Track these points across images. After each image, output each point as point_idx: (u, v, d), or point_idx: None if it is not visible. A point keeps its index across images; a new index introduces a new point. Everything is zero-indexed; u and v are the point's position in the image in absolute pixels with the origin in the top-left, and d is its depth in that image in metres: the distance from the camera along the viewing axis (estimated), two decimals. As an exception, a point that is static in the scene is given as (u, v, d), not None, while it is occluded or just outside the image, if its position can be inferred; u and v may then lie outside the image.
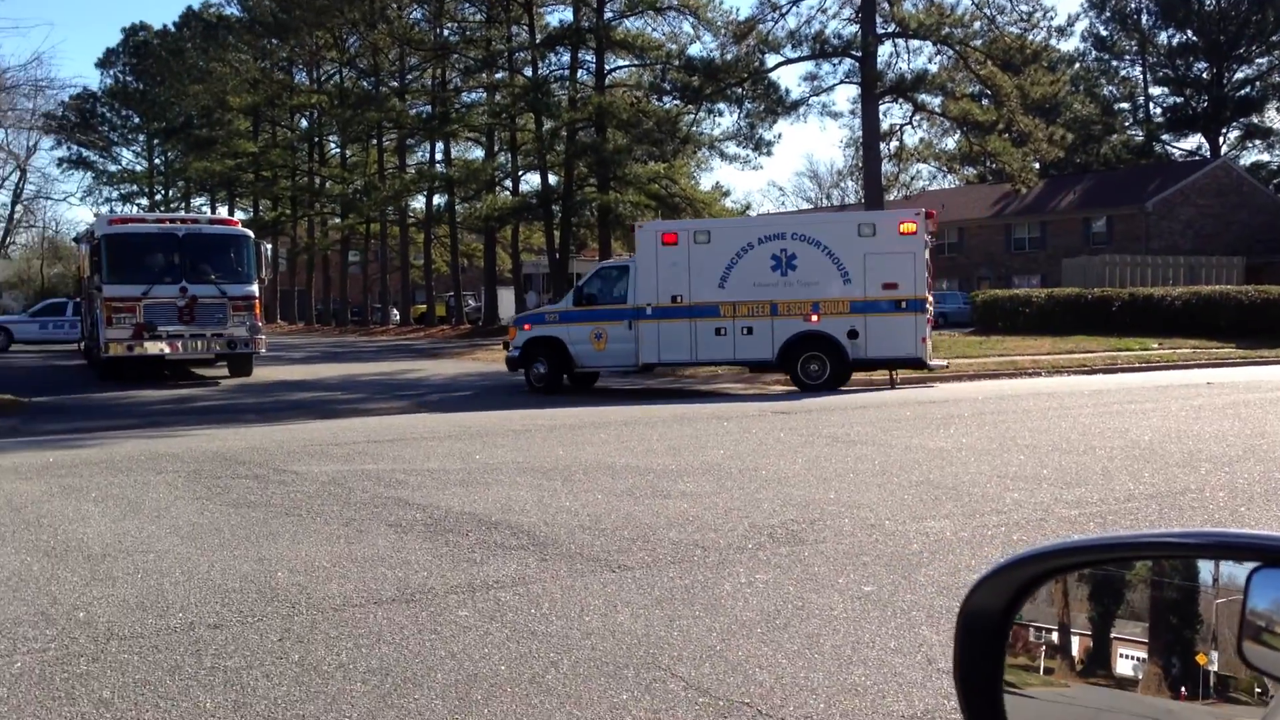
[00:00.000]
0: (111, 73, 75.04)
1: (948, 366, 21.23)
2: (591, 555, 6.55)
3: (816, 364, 19.24)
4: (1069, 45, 71.26)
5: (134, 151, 78.29)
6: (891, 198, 51.92)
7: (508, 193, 50.63)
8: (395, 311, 61.78)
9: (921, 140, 44.76)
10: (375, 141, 58.81)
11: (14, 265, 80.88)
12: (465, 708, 4.15)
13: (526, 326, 21.28)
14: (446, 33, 51.77)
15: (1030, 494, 8.28)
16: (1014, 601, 1.59)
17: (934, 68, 39.42)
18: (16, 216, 63.13)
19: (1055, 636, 1.64)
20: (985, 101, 41.18)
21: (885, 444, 11.36)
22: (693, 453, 10.99)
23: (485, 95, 51.43)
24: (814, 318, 19.16)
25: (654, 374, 21.50)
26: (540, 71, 45.49)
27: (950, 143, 47.17)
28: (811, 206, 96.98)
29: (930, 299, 19.62)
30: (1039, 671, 1.62)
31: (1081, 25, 68.41)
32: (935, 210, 22.08)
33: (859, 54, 37.26)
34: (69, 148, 69.91)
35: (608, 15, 42.75)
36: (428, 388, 21.76)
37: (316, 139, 67.24)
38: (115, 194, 76.33)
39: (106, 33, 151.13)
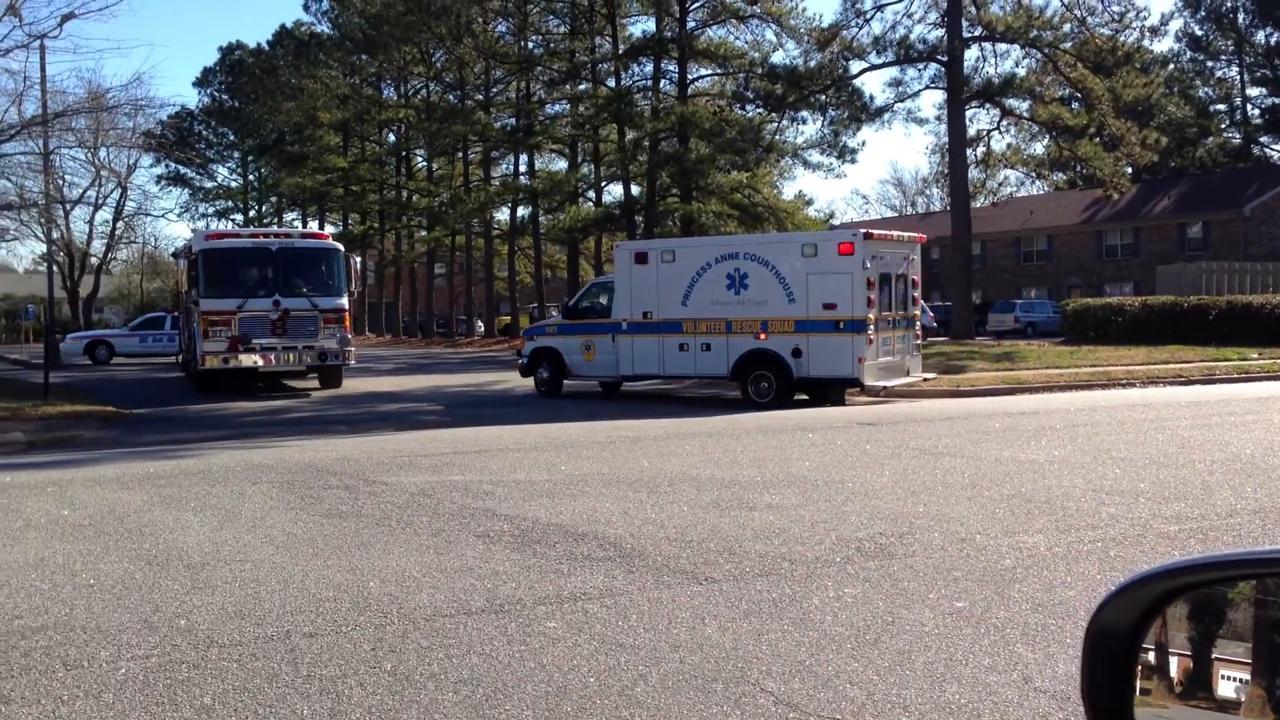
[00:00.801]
0: (208, 91, 77.16)
1: (925, 381, 21.05)
2: (678, 568, 6.54)
3: (765, 382, 19.50)
4: (1163, 46, 69.74)
5: (229, 168, 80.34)
6: (978, 204, 51.16)
7: (591, 204, 50.97)
8: (480, 323, 62.45)
9: (1009, 145, 44.05)
10: (461, 155, 59.60)
11: (115, 280, 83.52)
12: (556, 719, 4.17)
13: (533, 338, 23.09)
14: (531, 45, 52.31)
15: (1127, 509, 8.08)
16: (1144, 619, 1.55)
17: (1022, 71, 38.86)
18: (118, 233, 65.01)
19: (1152, 657, 1.60)
20: (1075, 105, 40.40)
21: (975, 456, 11.17)
22: (777, 465, 10.92)
23: (569, 107, 51.87)
24: (762, 336, 19.54)
25: (681, 382, 21.89)
26: (623, 82, 45.73)
27: (1039, 148, 46.35)
28: (895, 214, 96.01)
29: (919, 317, 20.58)
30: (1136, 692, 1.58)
31: (1176, 25, 66.70)
32: (924, 236, 22.59)
33: (945, 59, 36.82)
34: (167, 165, 71.93)
35: (690, 25, 42.80)
36: (514, 399, 21.95)
37: (404, 153, 68.38)
38: (211, 210, 78.36)
39: (204, 52, 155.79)
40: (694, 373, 20.89)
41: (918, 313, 20.74)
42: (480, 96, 56.34)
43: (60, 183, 24.26)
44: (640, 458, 11.68)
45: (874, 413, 17.04)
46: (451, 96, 58.91)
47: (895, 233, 22.56)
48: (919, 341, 20.83)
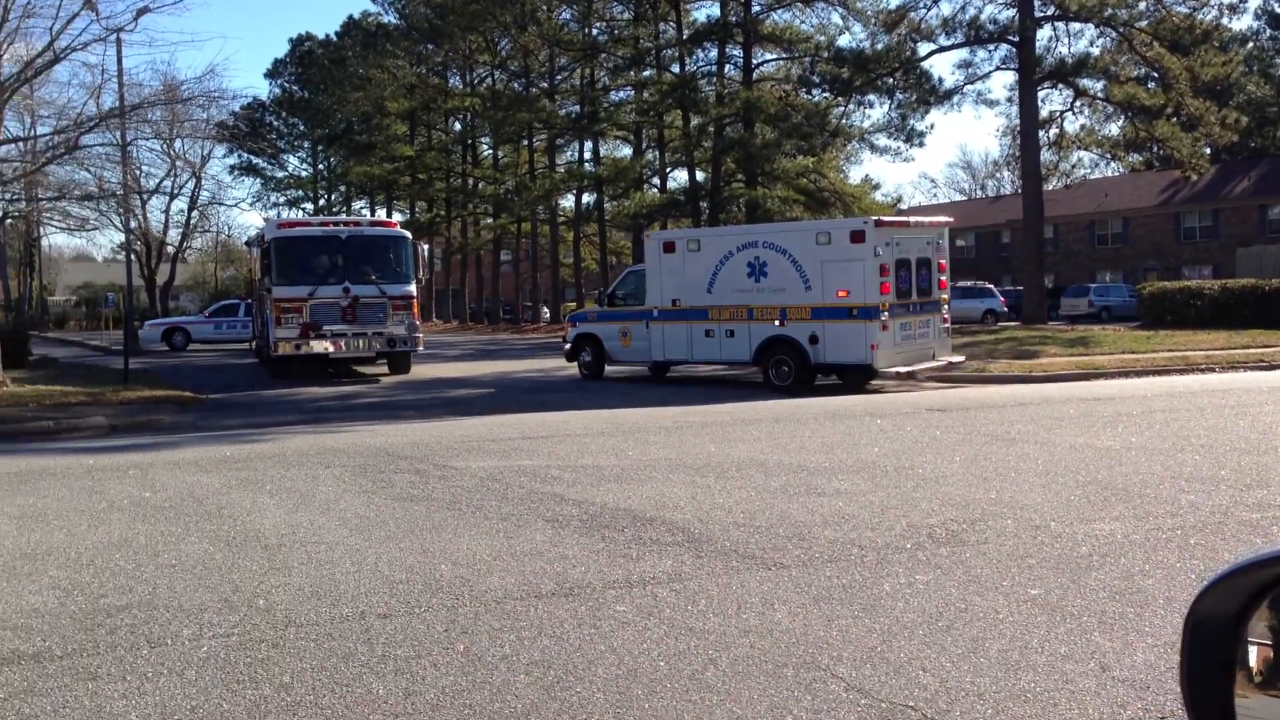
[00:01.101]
0: (279, 82, 78.24)
1: (952, 367, 21.05)
2: (747, 553, 6.53)
3: (786, 366, 19.94)
4: (1242, 24, 67.91)
5: (299, 157, 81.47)
6: (1050, 187, 50.30)
7: (655, 190, 50.94)
8: (546, 309, 62.74)
9: (1083, 127, 43.14)
10: (526, 142, 59.85)
11: (190, 268, 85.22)
12: (626, 703, 4.19)
13: (576, 325, 24.16)
14: (595, 32, 52.33)
15: (1207, 495, 7.91)
16: (1247, 606, 1.51)
17: (1096, 51, 38.04)
18: (192, 222, 66.35)
19: (1255, 646, 1.56)
20: (1152, 85, 39.47)
21: (1048, 443, 11.00)
22: (846, 450, 10.85)
23: (633, 93, 51.81)
24: (781, 323, 19.97)
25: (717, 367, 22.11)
26: (688, 68, 45.57)
27: (1114, 129, 45.33)
28: (964, 198, 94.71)
29: (946, 301, 20.70)
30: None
31: (1255, 2, 64.74)
32: (954, 218, 23.05)
33: (1016, 39, 36.18)
34: (240, 155, 73.19)
35: (755, 9, 42.50)
36: (576, 386, 22.04)
37: (470, 141, 68.82)
38: (282, 199, 79.51)
39: (275, 44, 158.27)
40: (720, 358, 21.39)
41: (944, 297, 20.79)
42: (545, 84, 56.51)
43: (137, 173, 24.84)
44: (707, 443, 11.67)
45: (943, 398, 16.85)
46: (516, 84, 59.17)
47: (915, 219, 22.88)
48: (947, 325, 20.90)
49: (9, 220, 27.67)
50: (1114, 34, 36.93)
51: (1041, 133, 38.09)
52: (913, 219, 22.52)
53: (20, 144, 23.29)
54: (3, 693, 4.42)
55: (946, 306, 20.78)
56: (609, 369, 23.08)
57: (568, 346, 23.98)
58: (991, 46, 37.77)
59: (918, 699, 4.17)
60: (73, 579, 6.21)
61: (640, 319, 22.18)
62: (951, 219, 23.00)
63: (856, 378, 19.98)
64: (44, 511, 8.34)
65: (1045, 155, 40.21)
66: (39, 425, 15.22)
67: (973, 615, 5.21)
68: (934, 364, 20.31)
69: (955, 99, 39.49)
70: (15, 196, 23.34)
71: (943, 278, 20.53)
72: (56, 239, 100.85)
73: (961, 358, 21.91)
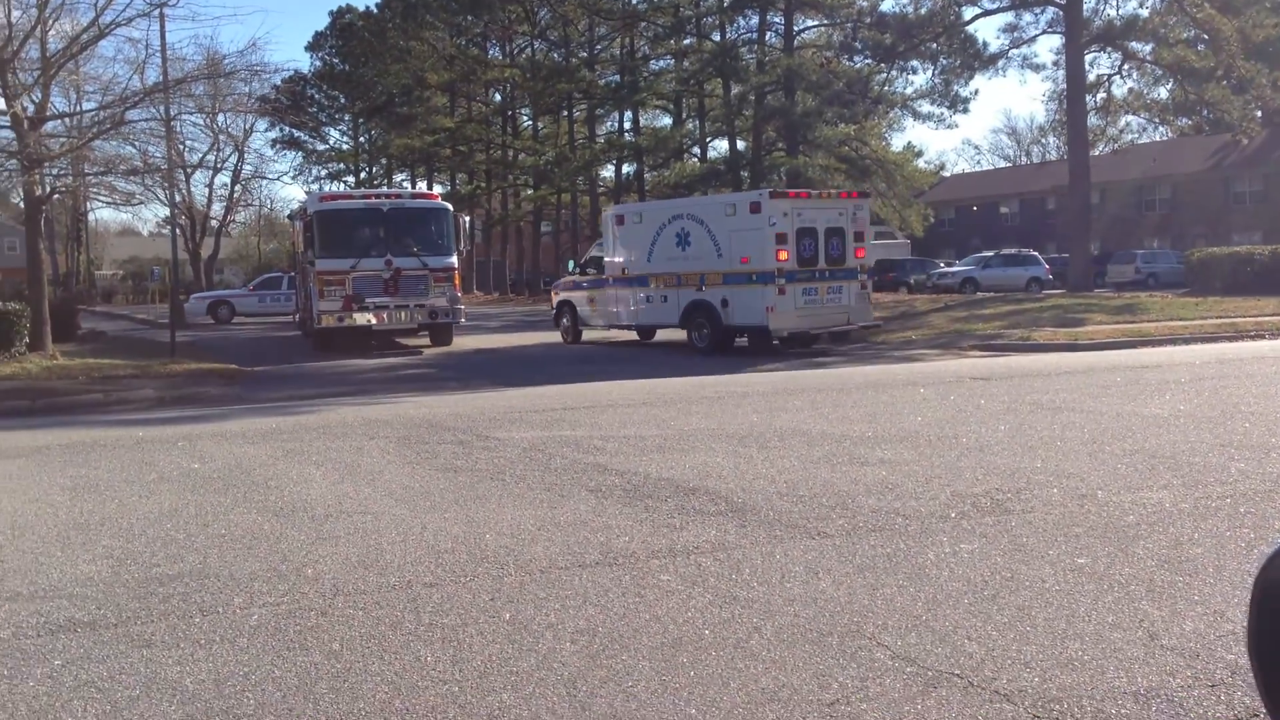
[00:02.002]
0: (320, 55, 78.39)
1: (865, 330, 22.48)
2: (790, 522, 6.53)
3: (706, 329, 21.69)
4: (1296, -18, 65.99)
5: (340, 131, 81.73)
6: (1097, 152, 49.54)
7: (696, 160, 50.74)
8: (586, 280, 62.72)
9: (1131, 90, 42.43)
10: (566, 113, 59.76)
11: (234, 242, 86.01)
12: (672, 670, 4.21)
13: (558, 292, 26.45)
14: (635, 1, 52.04)
15: (1258, 464, 7.80)
16: None
17: (1145, 13, 37.38)
18: (236, 195, 66.93)
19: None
20: (1201, 47, 38.64)
21: (1094, 411, 10.89)
22: (889, 419, 10.80)
23: (673, 62, 51.57)
24: (700, 288, 21.74)
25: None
26: (728, 36, 45.28)
27: (1163, 92, 44.54)
28: (1009, 164, 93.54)
29: (865, 269, 21.98)
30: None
31: (1310, -40, 63.23)
32: (869, 192, 25.14)
33: (1063, 1, 35.55)
34: (281, 129, 73.46)
35: (797, -25, 42.11)
36: (621, 355, 22.06)
37: (509, 112, 68.80)
38: (323, 172, 79.88)
39: (315, 17, 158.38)
40: (659, 322, 23.42)
41: (863, 265, 21.92)
42: (585, 54, 56.33)
43: (181, 148, 25.06)
44: (749, 412, 11.65)
45: (987, 367, 16.71)
46: (556, 55, 59.03)
47: (830, 190, 25.42)
48: (866, 291, 22.06)
49: (56, 196, 28.00)
50: (1163, -5, 36.23)
51: (1088, 97, 37.50)
52: (822, 190, 24.78)
53: (67, 120, 23.56)
54: (61, 659, 4.51)
55: (865, 274, 21.95)
56: (587, 334, 25.40)
57: (553, 313, 26.41)
58: (1038, 9, 37.22)
59: (963, 667, 4.16)
60: (125, 548, 6.32)
61: (601, 286, 24.37)
62: (869, 192, 25.25)
63: (759, 339, 21.45)
64: (96, 482, 8.49)
65: (1092, 120, 39.63)
66: (89, 398, 15.47)
67: (1019, 584, 5.18)
68: (843, 327, 21.59)
69: (1000, 63, 39.02)
70: (62, 172, 23.58)
71: (860, 246, 21.66)
72: (103, 214, 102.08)
73: (880, 322, 23.59)
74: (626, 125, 57.88)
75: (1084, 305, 27.78)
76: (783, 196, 21.50)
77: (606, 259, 24.28)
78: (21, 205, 31.33)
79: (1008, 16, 38.24)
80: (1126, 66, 38.60)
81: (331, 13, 75.46)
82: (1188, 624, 4.57)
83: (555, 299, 26.48)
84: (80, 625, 4.94)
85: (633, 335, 24.78)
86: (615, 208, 29.38)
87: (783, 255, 20.39)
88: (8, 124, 20.90)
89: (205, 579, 5.63)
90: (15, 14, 20.61)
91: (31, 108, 21.23)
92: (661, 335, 24.34)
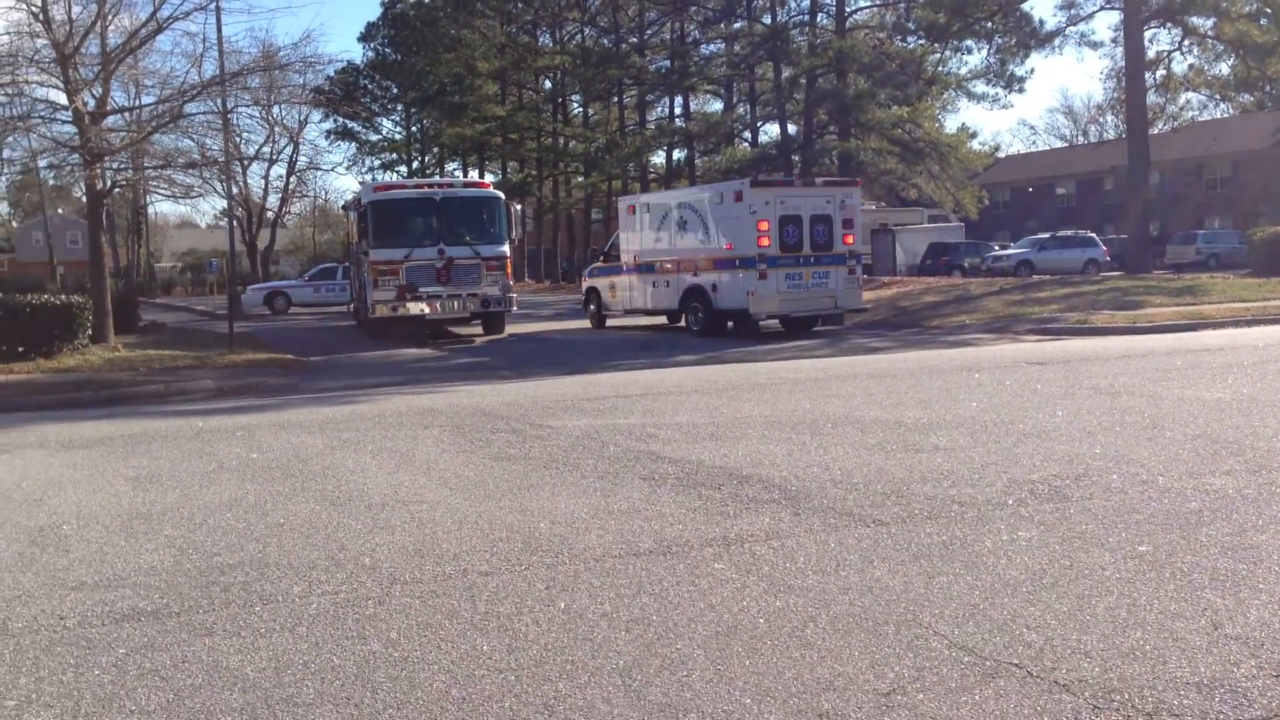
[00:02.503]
0: (372, 46, 78.82)
1: (853, 315, 23.58)
2: (845, 510, 6.49)
3: (700, 313, 22.97)
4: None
5: (393, 121, 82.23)
6: (1157, 130, 48.60)
7: (747, 144, 50.49)
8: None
9: (1191, 67, 41.50)
10: (616, 99, 59.74)
11: (289, 233, 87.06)
12: (726, 659, 4.21)
13: (585, 279, 28.18)
14: (684, -15, 51.82)
15: (1325, 449, 7.63)
16: None
17: (1207, -14, 36.47)
18: (291, 187, 67.71)
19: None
20: (1264, 21, 37.75)
21: (1155, 395, 10.71)
22: (944, 405, 10.69)
23: (724, 46, 51.28)
24: (695, 274, 23.02)
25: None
26: (779, 18, 44.93)
27: (1224, 68, 43.51)
28: (1065, 144, 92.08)
29: (854, 254, 22.68)
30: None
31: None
32: (859, 181, 25.95)
33: (1121, -23, 34.90)
34: (335, 120, 74.09)
35: (847, -44, 41.67)
36: (671, 343, 22.05)
37: (560, 99, 68.89)
38: (377, 162, 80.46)
39: (368, 7, 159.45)
40: (663, 307, 24.67)
41: (852, 251, 22.61)
42: (635, 39, 56.22)
43: (238, 140, 25.38)
44: (801, 399, 11.60)
45: (1044, 351, 16.49)
46: (606, 41, 58.98)
47: (820, 179, 26.84)
48: (855, 276, 22.80)
49: (117, 190, 28.49)
50: (1225, -32, 35.39)
51: (1148, 74, 36.76)
52: (813, 179, 27.04)
53: (126, 114, 23.93)
54: (125, 648, 4.60)
55: (854, 260, 22.67)
56: (617, 320, 26.52)
57: (583, 298, 28.01)
58: (1095, -15, 36.51)
59: (1022, 657, 4.11)
60: (187, 538, 6.43)
61: (619, 274, 25.82)
62: (857, 180, 26.14)
63: (743, 323, 22.39)
64: (157, 472, 8.64)
65: (1151, 97, 38.90)
66: (150, 388, 15.75)
67: (1078, 572, 5.11)
68: (830, 311, 22.65)
69: (1057, 41, 38.31)
70: (123, 166, 23.99)
71: (848, 233, 22.43)
72: (162, 206, 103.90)
73: (869, 306, 24.65)
74: (677, 110, 57.74)
75: (1143, 287, 27.31)
76: (765, 185, 22.72)
77: (621, 247, 25.72)
78: (84, 199, 31.91)
79: (1065, -7, 37.60)
80: (1187, 42, 37.80)
81: (383, 3, 75.92)
82: (1252, 613, 4.48)
83: (584, 286, 28.17)
84: (144, 614, 5.03)
85: (658, 319, 25.72)
86: (628, 198, 30.78)
87: (764, 241, 21.51)
88: (70, 119, 21.28)
89: (265, 568, 5.71)
90: (76, 10, 20.96)
91: (92, 102, 21.60)
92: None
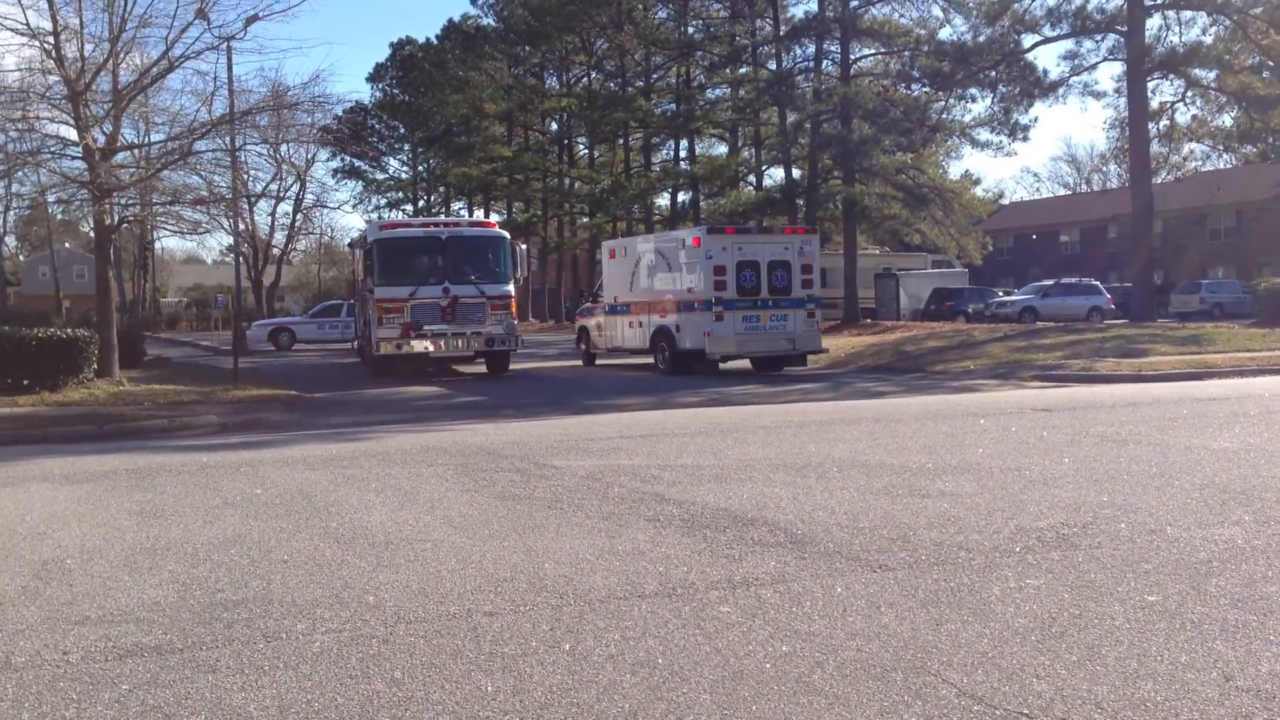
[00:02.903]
0: (380, 86, 79.65)
1: (814, 355, 24.91)
2: (851, 554, 6.46)
3: (666, 352, 24.28)
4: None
5: (400, 160, 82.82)
6: (1160, 180, 48.83)
7: (751, 188, 50.75)
8: (642, 308, 62.83)
9: (1194, 118, 41.84)
10: (622, 141, 60.17)
11: (295, 270, 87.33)
12: (733, 704, 4.17)
13: (577, 319, 29.64)
14: (691, 30, 52.39)
15: (1333, 500, 7.59)
16: None
17: (1209, 39, 36.85)
18: (297, 224, 67.98)
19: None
20: (1267, 74, 38.07)
21: (1161, 444, 10.69)
22: (949, 451, 10.67)
23: (729, 91, 51.69)
24: (663, 315, 24.33)
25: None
26: (784, 64, 45.25)
27: (1227, 119, 43.85)
28: (1069, 192, 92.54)
29: (812, 298, 24.05)
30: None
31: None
32: (811, 229, 28.26)
33: (1125, 29, 35.25)
34: (343, 159, 74.68)
35: (853, 3, 42.03)
36: (675, 384, 22.05)
37: (566, 141, 69.36)
38: (383, 201, 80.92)
39: (377, 48, 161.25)
40: (636, 346, 25.71)
41: (810, 294, 23.99)
42: (641, 83, 56.70)
43: (246, 177, 25.46)
44: (806, 442, 11.58)
45: (1049, 398, 16.48)
46: (612, 84, 59.47)
47: (781, 226, 29.44)
48: (814, 319, 24.16)
49: (125, 225, 28.64)
50: (1228, 22, 35.72)
51: (1151, 124, 37.05)
52: (762, 226, 29.34)
53: (136, 151, 24.10)
54: (128, 684, 4.57)
55: (812, 304, 24.05)
56: (610, 359, 27.81)
57: (575, 337, 29.51)
58: (1099, 36, 36.88)
59: (1032, 706, 4.08)
60: (190, 573, 6.41)
61: (603, 314, 27.19)
62: (813, 229, 28.92)
63: (700, 363, 23.62)
64: (161, 507, 8.62)
65: (1155, 147, 39.13)
66: (154, 423, 15.74)
67: (1087, 621, 5.08)
68: (787, 351, 24.05)
69: (1060, 91, 38.63)
70: (131, 202, 24.14)
71: (806, 278, 23.90)
72: (169, 242, 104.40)
73: (827, 348, 25.73)
74: (682, 153, 58.10)
75: (1148, 335, 27.35)
76: (720, 232, 24.09)
77: (604, 289, 27.29)
78: (91, 234, 32.06)
79: (1068, 44, 37.96)
80: (1190, 94, 38.12)
81: (392, 44, 76.86)
82: (1263, 664, 4.45)
83: (576, 325, 29.77)
84: (147, 650, 5.00)
85: (647, 358, 26.13)
86: (610, 242, 32.01)
87: (720, 285, 22.98)
88: (79, 154, 21.44)
89: (269, 605, 5.68)
90: (89, 48, 21.18)
91: (102, 139, 21.78)
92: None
